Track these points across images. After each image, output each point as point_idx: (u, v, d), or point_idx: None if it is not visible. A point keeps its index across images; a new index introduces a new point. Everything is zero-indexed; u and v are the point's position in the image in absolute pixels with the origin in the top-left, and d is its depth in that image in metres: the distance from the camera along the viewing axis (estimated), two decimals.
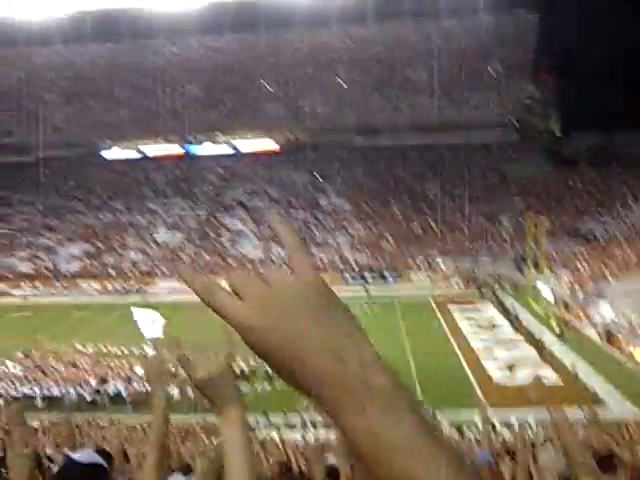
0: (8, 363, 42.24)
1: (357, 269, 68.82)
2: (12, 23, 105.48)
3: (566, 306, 51.70)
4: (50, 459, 8.20)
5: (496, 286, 61.88)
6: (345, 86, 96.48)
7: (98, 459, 3.79)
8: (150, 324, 44.96)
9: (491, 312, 54.15)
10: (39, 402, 36.83)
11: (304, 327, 1.08)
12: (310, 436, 28.97)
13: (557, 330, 46.37)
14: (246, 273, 1.20)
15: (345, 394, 1.01)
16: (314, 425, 31.56)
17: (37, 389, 38.12)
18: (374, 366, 1.03)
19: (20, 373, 40.60)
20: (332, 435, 27.43)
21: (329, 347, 1.04)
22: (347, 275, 67.05)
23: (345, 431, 1.00)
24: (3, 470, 7.32)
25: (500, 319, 51.33)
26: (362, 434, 0.98)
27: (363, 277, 66.60)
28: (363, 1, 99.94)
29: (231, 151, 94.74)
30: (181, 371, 2.57)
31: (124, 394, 37.40)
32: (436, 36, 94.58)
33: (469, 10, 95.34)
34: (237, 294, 1.17)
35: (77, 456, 3.80)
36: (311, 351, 1.05)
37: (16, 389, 38.26)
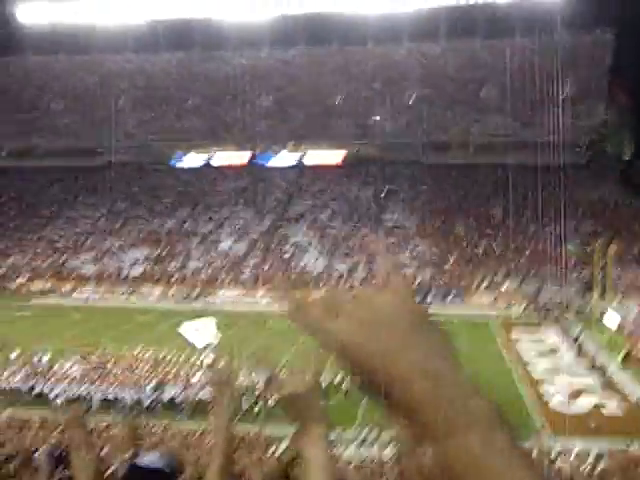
0: (67, 364, 42.77)
1: (418, 288, 68.15)
2: (87, 30, 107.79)
3: (631, 335, 50.48)
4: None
5: (560, 311, 60.72)
6: (414, 103, 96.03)
7: (163, 464, 3.69)
8: (202, 333, 45.22)
9: (553, 337, 53.03)
10: (96, 404, 37.25)
11: (399, 346, 1.08)
12: (364, 453, 28.81)
13: (621, 359, 45.28)
14: (341, 290, 1.21)
15: (441, 416, 1.00)
16: (368, 443, 31.28)
17: (94, 391, 38.53)
18: (469, 388, 1.03)
19: (79, 375, 41.08)
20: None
21: (424, 368, 1.04)
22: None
23: (439, 453, 0.98)
24: (66, 470, 7.30)
25: (562, 345, 50.31)
26: (460, 456, 0.97)
27: (424, 296, 65.95)
28: (436, 17, 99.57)
29: (298, 164, 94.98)
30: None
31: (180, 400, 37.57)
32: (509, 54, 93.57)
33: (543, 29, 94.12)
34: (331, 311, 1.15)
35: (142, 461, 3.70)
36: (405, 371, 1.04)
37: (74, 390, 38.72)
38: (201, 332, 45.02)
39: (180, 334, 44.96)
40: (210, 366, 40.31)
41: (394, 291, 1.24)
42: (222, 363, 3.65)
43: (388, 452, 29.48)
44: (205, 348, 44.94)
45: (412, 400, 1.03)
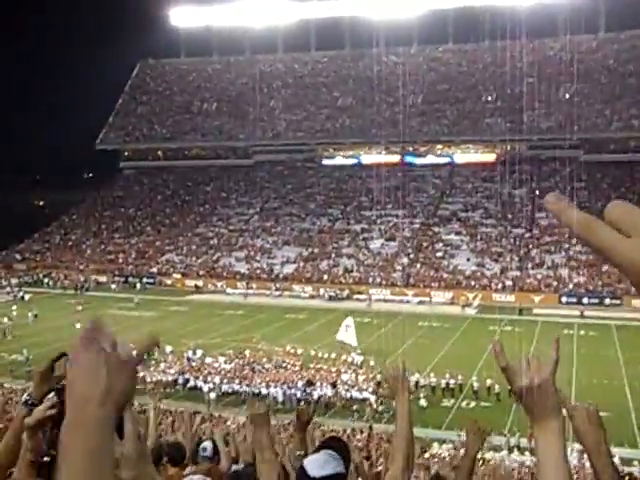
0: (221, 359, 43.63)
1: (573, 290, 65.93)
2: (238, 32, 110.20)
3: None
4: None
5: None
6: (570, 98, 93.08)
7: (334, 468, 3.42)
8: (350, 332, 45.33)
9: None
10: (248, 399, 37.70)
11: None
12: (514, 459, 28.01)
13: None
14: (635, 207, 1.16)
15: None
16: (519, 448, 30.51)
17: (245, 387, 39.09)
18: None
19: (231, 369, 41.79)
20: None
21: None
22: (562, 295, 64.44)
23: None
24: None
25: None
26: None
27: (579, 299, 63.73)
28: (593, 9, 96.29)
29: (449, 162, 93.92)
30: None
31: (330, 398, 37.59)
32: None
33: None
34: (620, 230, 1.11)
35: (312, 470, 3.44)
36: None
37: (227, 384, 39.40)
38: (349, 330, 45.23)
39: (340, 341, 45.27)
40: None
41: None
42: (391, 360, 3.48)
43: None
44: (356, 347, 45.06)
45: None
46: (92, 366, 1.40)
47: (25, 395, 3.27)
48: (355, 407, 36.14)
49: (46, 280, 78.70)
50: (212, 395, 37.58)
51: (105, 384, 1.39)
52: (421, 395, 36.20)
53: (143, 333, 49.96)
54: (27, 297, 68.59)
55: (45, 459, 2.81)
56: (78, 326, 51.94)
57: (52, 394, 2.99)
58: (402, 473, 3.57)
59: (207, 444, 7.10)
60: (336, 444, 3.56)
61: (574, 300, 62.18)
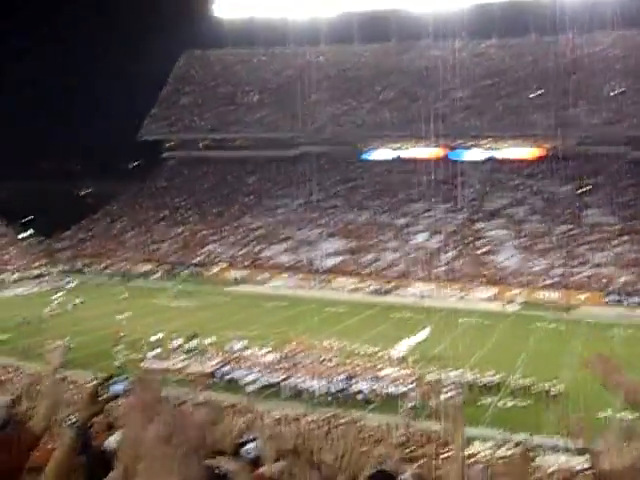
0: (262, 351, 43.55)
1: (619, 289, 64.95)
2: (281, 23, 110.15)
3: None
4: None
5: None
6: (617, 94, 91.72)
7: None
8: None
9: None
10: (287, 393, 37.72)
11: None
12: (556, 460, 27.55)
13: None
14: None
15: None
16: (559, 450, 30.03)
17: (286, 379, 39.00)
18: None
19: (272, 362, 41.76)
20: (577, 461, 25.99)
21: None
22: (607, 294, 63.50)
23: None
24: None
25: None
26: None
27: (624, 298, 62.78)
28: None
29: (494, 158, 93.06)
30: None
31: (368, 394, 37.33)
32: None
33: None
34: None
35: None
36: None
37: (267, 377, 39.31)
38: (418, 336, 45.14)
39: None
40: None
41: None
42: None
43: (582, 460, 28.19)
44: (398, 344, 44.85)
45: None
46: (161, 460, 1.35)
47: (71, 417, 3.16)
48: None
49: (90, 269, 79.45)
50: (251, 387, 37.48)
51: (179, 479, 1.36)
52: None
53: (185, 323, 50.42)
54: (72, 285, 69.22)
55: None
56: (120, 316, 52.47)
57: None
58: None
59: (251, 445, 6.91)
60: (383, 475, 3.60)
61: (619, 299, 61.25)
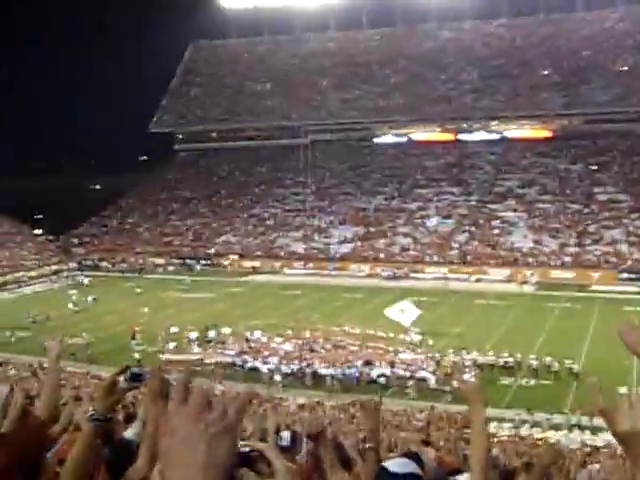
0: (280, 339, 43.75)
1: (633, 266, 64.67)
2: (288, 10, 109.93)
3: None
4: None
5: None
6: (628, 71, 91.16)
7: (413, 468, 3.38)
8: (407, 313, 45.09)
9: None
10: (307, 380, 37.91)
11: None
12: (576, 438, 27.66)
13: None
14: None
15: None
16: (579, 427, 30.16)
17: (305, 367, 39.20)
18: None
19: (291, 350, 41.94)
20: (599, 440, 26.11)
21: None
22: (621, 272, 63.28)
23: None
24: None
25: None
26: None
27: (639, 275, 62.46)
28: None
29: (505, 138, 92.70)
30: None
31: (388, 378, 37.40)
32: None
33: None
34: None
35: (392, 466, 3.39)
36: None
37: (287, 365, 39.52)
38: (405, 312, 44.98)
39: (387, 316, 45.08)
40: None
41: None
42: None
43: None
44: (412, 327, 44.88)
45: None
46: (189, 439, 1.32)
47: (90, 409, 3.26)
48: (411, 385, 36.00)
49: (104, 264, 79.78)
50: (277, 377, 37.57)
51: (205, 459, 1.32)
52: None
53: (201, 315, 50.62)
54: (86, 281, 69.59)
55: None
56: (145, 310, 52.74)
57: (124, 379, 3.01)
58: None
59: (285, 433, 7.04)
60: (413, 454, 3.58)
61: (633, 276, 61.05)
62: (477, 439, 3.62)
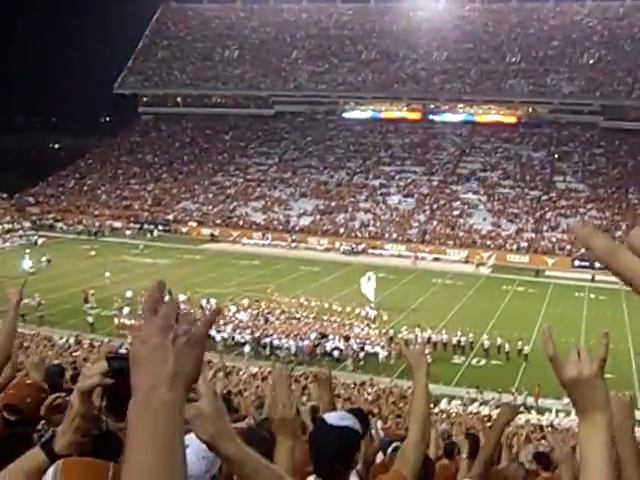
0: (233, 309, 43.65)
1: (586, 254, 65.52)
2: None
3: None
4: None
5: None
6: (594, 63, 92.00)
7: (352, 422, 3.38)
8: (370, 285, 45.39)
9: None
10: (266, 350, 38.14)
11: None
12: (522, 418, 28.13)
13: None
14: None
15: None
16: (526, 407, 30.90)
17: (259, 337, 39.31)
18: None
19: (245, 319, 41.97)
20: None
21: None
22: (575, 259, 64.20)
23: None
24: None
25: None
26: None
27: (591, 264, 63.46)
28: None
29: (470, 122, 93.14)
30: None
31: (341, 351, 37.71)
32: None
33: None
34: None
35: (330, 418, 3.39)
36: None
37: (240, 334, 39.57)
38: (369, 285, 45.30)
39: (363, 294, 45.31)
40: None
41: None
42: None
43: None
44: (368, 302, 45.18)
45: None
46: (159, 348, 1.36)
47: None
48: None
49: (60, 225, 78.48)
50: (224, 345, 37.57)
51: (173, 368, 1.35)
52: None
53: (155, 280, 49.90)
54: (40, 241, 68.54)
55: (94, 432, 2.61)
56: (107, 274, 51.95)
57: (102, 362, 2.68)
58: (417, 446, 3.66)
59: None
60: (358, 411, 3.66)
61: (586, 264, 61.95)
62: (418, 401, 3.79)
